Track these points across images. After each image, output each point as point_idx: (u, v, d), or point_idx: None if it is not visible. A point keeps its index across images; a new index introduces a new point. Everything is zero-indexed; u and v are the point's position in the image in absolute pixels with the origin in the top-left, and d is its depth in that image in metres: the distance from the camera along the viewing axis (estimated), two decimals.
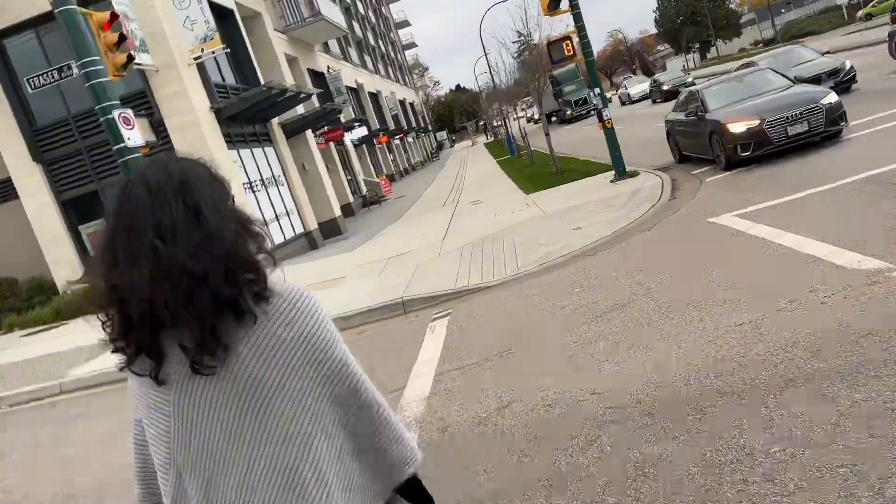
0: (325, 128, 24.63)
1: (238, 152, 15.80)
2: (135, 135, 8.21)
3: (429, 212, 18.21)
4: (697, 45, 73.25)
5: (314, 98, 22.96)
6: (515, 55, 30.64)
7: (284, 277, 1.30)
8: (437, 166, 47.93)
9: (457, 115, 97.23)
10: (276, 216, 17.13)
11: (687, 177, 11.31)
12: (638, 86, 45.06)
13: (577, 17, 12.56)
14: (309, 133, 21.17)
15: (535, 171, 20.19)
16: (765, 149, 9.80)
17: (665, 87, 33.59)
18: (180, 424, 1.25)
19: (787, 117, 9.63)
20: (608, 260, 7.56)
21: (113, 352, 1.27)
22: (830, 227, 5.98)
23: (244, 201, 14.76)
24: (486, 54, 41.14)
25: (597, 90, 13.00)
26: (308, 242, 18.13)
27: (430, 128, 73.84)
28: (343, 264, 12.84)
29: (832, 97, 9.84)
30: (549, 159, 18.79)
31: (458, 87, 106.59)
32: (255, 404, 1.22)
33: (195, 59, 14.32)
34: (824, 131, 9.64)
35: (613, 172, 13.01)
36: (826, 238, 5.67)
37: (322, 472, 1.25)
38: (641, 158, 13.99)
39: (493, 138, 63.38)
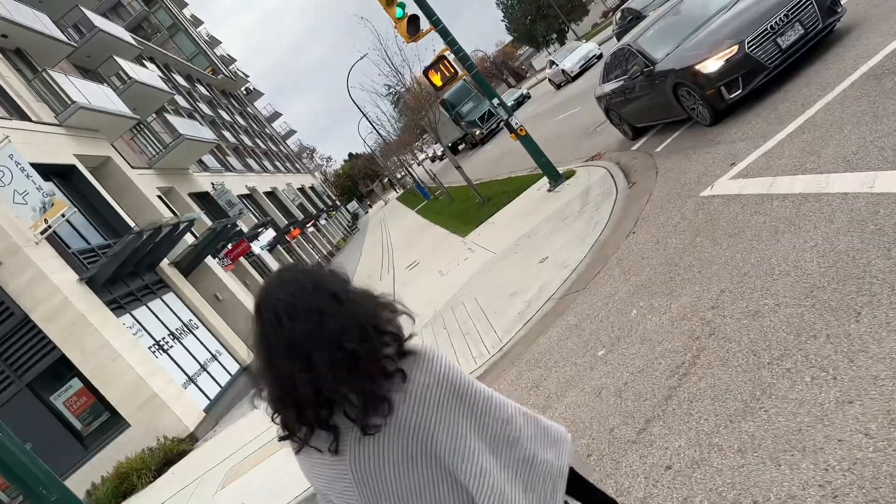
0: (228, 246, 22.43)
1: (132, 315, 13.46)
2: None
3: None
4: (554, 36, 74.85)
5: (205, 221, 20.80)
6: (392, 104, 29.46)
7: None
8: (360, 237, 45.97)
9: (360, 180, 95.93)
10: (204, 365, 14.74)
11: (631, 154, 9.80)
12: (572, 55, 30.73)
13: (444, 33, 11.08)
14: (209, 260, 18.94)
15: (460, 209, 18.57)
16: (760, 78, 7.37)
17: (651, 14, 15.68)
18: (364, 486, 1.42)
19: (771, 27, 7.20)
20: (609, 289, 5.76)
21: (282, 439, 1.49)
22: (888, 148, 4.40)
23: (156, 367, 12.43)
24: (364, 115, 39.97)
25: (495, 101, 11.50)
26: (251, 377, 15.80)
27: (338, 203, 72.04)
28: None
29: None
30: (469, 191, 17.23)
31: (350, 154, 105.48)
32: (422, 445, 1.41)
33: (41, 233, 12.04)
34: (824, 28, 7.22)
35: (546, 180, 11.46)
36: None
37: (499, 478, 1.43)
38: (569, 154, 12.51)
39: (402, 190, 62.03)
